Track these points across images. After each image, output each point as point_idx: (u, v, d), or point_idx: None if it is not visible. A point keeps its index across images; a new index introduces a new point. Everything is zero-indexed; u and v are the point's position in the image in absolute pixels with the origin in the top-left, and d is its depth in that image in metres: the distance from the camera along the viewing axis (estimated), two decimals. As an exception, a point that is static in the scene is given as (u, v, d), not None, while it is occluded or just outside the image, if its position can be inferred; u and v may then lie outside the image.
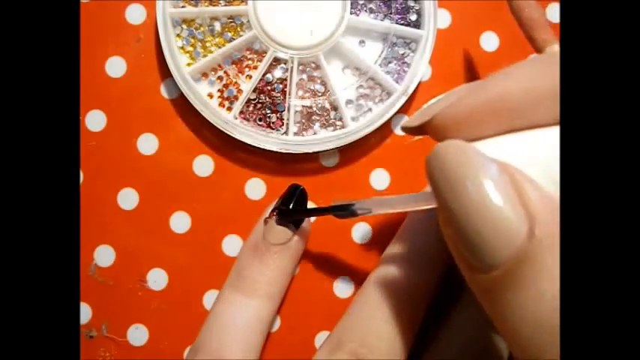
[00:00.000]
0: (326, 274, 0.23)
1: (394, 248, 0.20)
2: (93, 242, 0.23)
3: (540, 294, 0.12)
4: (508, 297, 0.12)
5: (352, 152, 0.23)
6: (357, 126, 0.23)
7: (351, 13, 0.23)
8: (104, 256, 0.23)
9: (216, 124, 0.22)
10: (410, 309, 0.18)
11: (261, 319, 0.20)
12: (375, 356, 0.18)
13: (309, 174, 0.23)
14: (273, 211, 0.21)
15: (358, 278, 0.22)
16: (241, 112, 0.23)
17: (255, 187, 0.23)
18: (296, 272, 0.23)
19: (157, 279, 0.23)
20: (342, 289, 0.23)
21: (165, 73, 0.23)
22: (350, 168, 0.23)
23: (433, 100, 0.16)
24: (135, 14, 0.24)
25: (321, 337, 0.22)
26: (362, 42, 0.24)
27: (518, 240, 0.12)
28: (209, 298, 0.23)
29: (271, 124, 0.23)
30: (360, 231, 0.23)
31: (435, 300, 0.19)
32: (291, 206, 0.21)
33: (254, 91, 0.23)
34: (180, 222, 0.23)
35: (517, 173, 0.13)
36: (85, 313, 0.22)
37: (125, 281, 0.23)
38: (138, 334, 0.22)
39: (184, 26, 0.23)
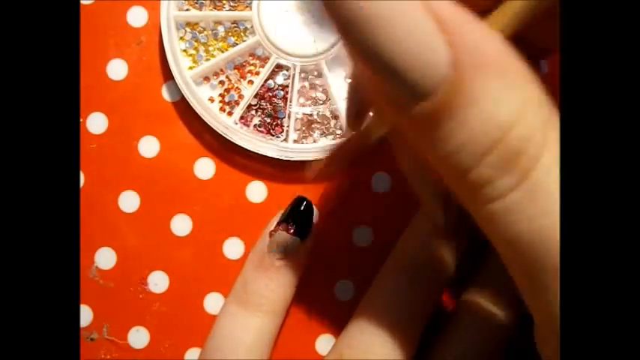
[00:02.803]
0: (327, 276, 0.23)
1: (393, 260, 0.20)
2: (94, 245, 0.23)
3: (466, 119, 0.12)
4: (440, 127, 0.12)
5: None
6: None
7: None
8: (105, 258, 0.23)
9: (216, 129, 0.23)
10: (408, 323, 0.19)
11: (265, 335, 0.20)
12: None
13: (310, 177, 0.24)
14: (278, 224, 0.21)
15: (360, 281, 0.23)
16: (242, 118, 0.23)
17: (257, 190, 0.23)
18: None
19: (158, 282, 0.23)
20: (343, 292, 0.23)
21: (167, 75, 0.23)
22: (351, 172, 0.24)
23: None
24: (137, 17, 0.24)
25: (322, 340, 0.23)
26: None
27: (442, 69, 0.11)
28: (210, 301, 0.23)
29: (271, 131, 0.24)
30: (362, 233, 0.23)
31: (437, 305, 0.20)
32: (298, 220, 0.21)
33: (255, 96, 0.23)
34: (181, 224, 0.23)
35: None
36: (86, 315, 0.22)
37: (126, 284, 0.23)
38: (139, 337, 0.23)
39: (188, 29, 0.24)
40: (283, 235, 0.21)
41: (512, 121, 0.12)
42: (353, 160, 0.19)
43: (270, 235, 0.21)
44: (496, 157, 0.12)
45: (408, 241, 0.20)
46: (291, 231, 0.21)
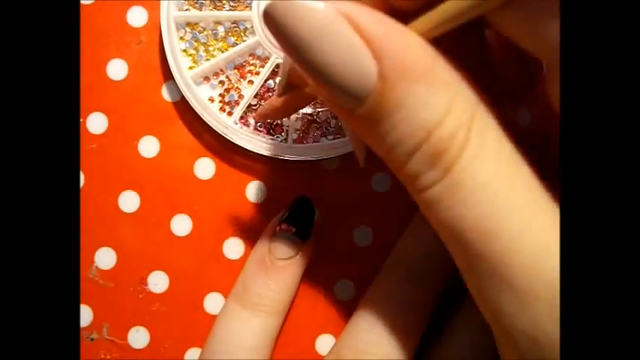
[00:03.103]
0: (327, 276, 0.23)
1: (393, 260, 0.20)
2: (94, 245, 0.23)
3: (395, 124, 0.13)
4: (375, 129, 0.14)
5: (354, 157, 0.24)
6: (357, 133, 0.23)
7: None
8: (105, 258, 0.23)
9: (216, 129, 0.23)
10: (408, 322, 0.19)
11: (266, 336, 0.20)
12: None
13: (310, 177, 0.24)
14: (279, 224, 0.21)
15: (360, 281, 0.23)
16: (242, 118, 0.23)
17: (257, 190, 0.24)
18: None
19: (158, 282, 0.23)
20: (343, 292, 0.23)
21: (167, 75, 0.23)
22: (351, 172, 0.24)
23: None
24: (137, 17, 0.24)
25: (322, 340, 0.23)
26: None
27: (371, 80, 0.13)
28: (210, 301, 0.23)
29: (271, 131, 0.24)
30: (362, 233, 0.23)
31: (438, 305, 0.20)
32: (300, 220, 0.21)
33: (255, 96, 0.23)
34: (181, 225, 0.23)
35: (349, 7, 0.13)
36: (86, 315, 0.23)
37: (126, 284, 0.23)
38: (139, 337, 0.23)
39: (188, 29, 0.24)
40: (284, 236, 0.21)
41: (436, 123, 0.13)
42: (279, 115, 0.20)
43: (272, 235, 0.21)
44: (422, 155, 0.13)
45: (408, 241, 0.20)
46: (293, 231, 0.21)
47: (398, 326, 0.18)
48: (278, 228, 0.21)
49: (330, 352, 0.20)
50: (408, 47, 0.13)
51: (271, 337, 0.21)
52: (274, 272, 0.21)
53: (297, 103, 0.19)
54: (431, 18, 0.14)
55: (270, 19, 0.13)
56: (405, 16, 0.14)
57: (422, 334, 0.19)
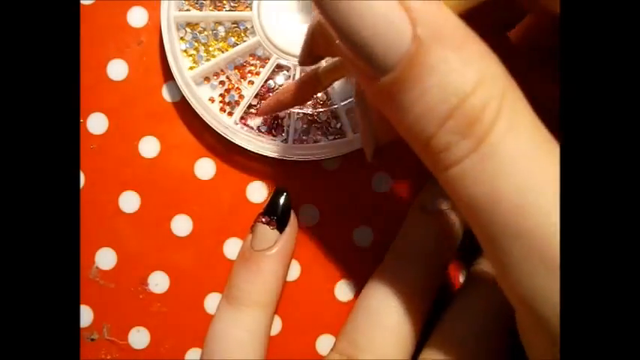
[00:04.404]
0: (327, 276, 0.23)
1: (394, 250, 0.20)
2: (94, 245, 0.23)
3: (426, 89, 0.13)
4: (403, 98, 0.13)
5: (354, 157, 0.24)
6: (357, 136, 0.23)
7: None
8: (105, 258, 0.23)
9: (216, 129, 0.23)
10: (407, 309, 0.19)
11: (255, 331, 0.20)
12: (364, 355, 0.18)
13: (310, 177, 0.24)
14: (258, 216, 0.21)
15: (360, 281, 0.23)
16: (242, 118, 0.23)
17: (257, 190, 0.24)
18: (297, 276, 0.23)
19: (159, 282, 0.23)
20: (343, 292, 0.23)
21: (167, 75, 0.23)
22: (351, 172, 0.24)
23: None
24: (137, 17, 0.24)
25: (322, 341, 0.23)
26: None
27: (404, 44, 0.13)
28: (211, 301, 0.23)
29: (272, 131, 0.24)
30: (362, 233, 0.23)
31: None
32: (275, 211, 0.21)
33: (255, 96, 0.23)
34: (181, 225, 0.23)
35: None
36: (87, 316, 0.23)
37: (126, 284, 0.23)
38: (139, 337, 0.23)
39: (188, 29, 0.24)
40: (261, 227, 0.21)
41: (469, 90, 0.13)
42: (304, 100, 0.19)
43: (251, 229, 0.21)
44: (454, 124, 0.13)
45: (406, 232, 0.20)
46: (269, 221, 0.21)
47: (394, 314, 0.18)
48: (256, 220, 0.21)
49: (330, 351, 0.20)
50: (444, 17, 0.13)
51: (261, 331, 0.21)
52: (254, 264, 0.21)
53: (304, 92, 0.19)
54: None
55: None
56: None
57: (428, 313, 0.19)
